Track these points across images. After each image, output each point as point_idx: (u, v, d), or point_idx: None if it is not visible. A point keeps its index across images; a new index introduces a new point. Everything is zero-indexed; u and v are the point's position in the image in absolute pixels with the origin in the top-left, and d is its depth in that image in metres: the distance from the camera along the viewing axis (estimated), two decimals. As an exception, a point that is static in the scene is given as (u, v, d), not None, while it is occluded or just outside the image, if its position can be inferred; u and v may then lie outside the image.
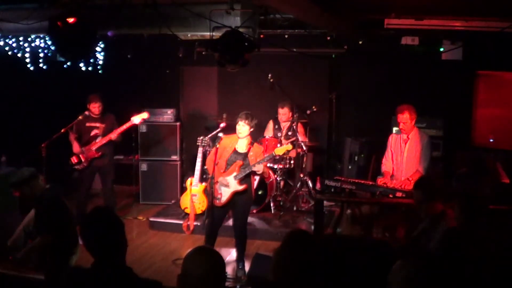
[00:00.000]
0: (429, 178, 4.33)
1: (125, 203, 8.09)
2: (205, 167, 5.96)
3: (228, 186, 5.35)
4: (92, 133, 6.70)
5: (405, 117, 5.59)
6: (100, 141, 6.64)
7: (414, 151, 5.65)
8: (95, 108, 6.62)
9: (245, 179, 5.39)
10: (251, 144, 5.43)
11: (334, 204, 7.03)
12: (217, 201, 5.37)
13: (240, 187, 5.35)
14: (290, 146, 5.92)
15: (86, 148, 6.65)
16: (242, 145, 5.43)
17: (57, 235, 4.14)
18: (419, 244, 3.62)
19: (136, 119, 6.70)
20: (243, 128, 5.33)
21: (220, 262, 2.49)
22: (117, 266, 2.53)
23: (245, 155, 5.40)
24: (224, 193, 5.37)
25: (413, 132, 5.71)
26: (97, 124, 6.71)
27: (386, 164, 5.85)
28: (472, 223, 3.41)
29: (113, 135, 6.60)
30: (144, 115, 6.78)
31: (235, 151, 5.41)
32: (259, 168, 5.36)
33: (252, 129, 5.39)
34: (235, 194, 5.38)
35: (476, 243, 3.25)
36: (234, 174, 5.35)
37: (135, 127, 7.41)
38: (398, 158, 5.75)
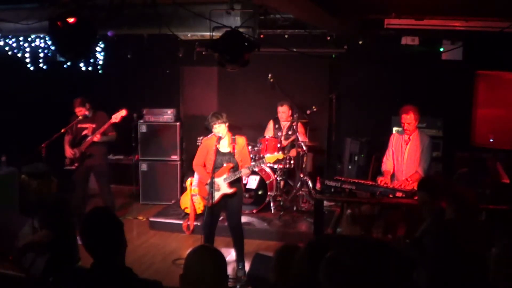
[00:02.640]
0: (432, 179, 4.33)
1: (125, 203, 8.09)
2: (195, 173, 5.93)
3: (218, 188, 5.33)
4: (83, 133, 6.73)
5: (410, 118, 5.57)
6: (88, 141, 6.66)
7: (415, 152, 5.64)
8: (78, 112, 6.64)
9: (235, 182, 5.38)
10: (233, 141, 5.39)
11: (334, 204, 7.03)
12: (207, 201, 5.34)
13: (230, 190, 5.34)
14: (281, 155, 5.90)
15: (77, 149, 6.68)
16: (224, 144, 5.39)
17: (59, 235, 4.12)
18: (421, 244, 3.62)
19: (115, 117, 6.67)
20: (220, 128, 5.27)
21: (222, 260, 2.50)
22: (116, 266, 2.53)
23: (231, 155, 5.37)
24: (214, 195, 5.34)
25: (415, 133, 5.69)
26: (87, 125, 6.74)
27: (387, 163, 5.83)
28: (464, 221, 3.41)
29: (96, 138, 6.62)
30: (122, 112, 6.71)
31: (220, 152, 5.36)
32: (246, 174, 5.42)
33: (227, 124, 5.33)
34: (225, 196, 5.38)
35: (472, 240, 3.25)
36: (224, 176, 5.33)
37: (135, 127, 7.41)
38: (399, 159, 5.74)
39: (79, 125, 6.74)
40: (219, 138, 5.31)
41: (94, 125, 6.73)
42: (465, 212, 3.44)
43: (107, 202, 6.88)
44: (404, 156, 5.69)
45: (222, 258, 2.51)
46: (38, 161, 6.13)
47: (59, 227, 4.10)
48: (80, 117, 6.65)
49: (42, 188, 4.22)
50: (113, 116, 6.67)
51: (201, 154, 5.49)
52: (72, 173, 6.78)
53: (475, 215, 3.57)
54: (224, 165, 5.34)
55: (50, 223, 4.11)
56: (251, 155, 7.03)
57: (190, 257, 2.46)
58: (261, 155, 6.94)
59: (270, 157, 5.64)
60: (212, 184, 5.25)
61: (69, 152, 6.70)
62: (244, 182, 6.93)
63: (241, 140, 5.46)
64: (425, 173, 5.54)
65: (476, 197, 3.67)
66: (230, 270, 5.67)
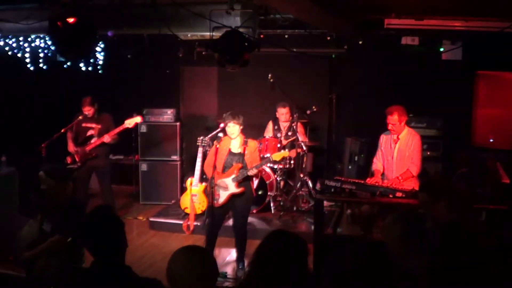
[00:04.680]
0: (434, 179, 4.32)
1: (125, 203, 8.09)
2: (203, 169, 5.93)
3: (227, 188, 5.36)
4: (88, 133, 6.72)
5: (394, 119, 5.58)
6: (94, 143, 6.66)
7: (404, 151, 5.63)
8: (87, 112, 6.64)
9: (243, 182, 5.39)
10: (245, 143, 5.42)
11: (334, 204, 7.03)
12: (215, 202, 5.37)
13: (238, 190, 5.36)
14: (287, 153, 5.91)
15: (80, 148, 6.67)
16: (235, 145, 5.43)
17: (72, 240, 4.09)
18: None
19: (129, 122, 6.69)
20: (234, 128, 5.32)
21: (206, 260, 2.47)
22: (116, 265, 2.53)
23: (241, 156, 5.40)
24: (222, 195, 5.39)
25: (404, 132, 5.67)
26: (93, 125, 6.72)
27: (377, 164, 5.83)
28: (458, 220, 3.41)
29: (106, 139, 6.61)
30: (138, 119, 6.77)
31: (231, 152, 5.42)
32: (254, 172, 5.38)
33: (241, 127, 5.37)
34: (233, 196, 5.40)
35: (470, 241, 3.25)
36: (233, 176, 5.36)
37: (134, 127, 7.41)
38: (389, 158, 5.72)
39: (84, 124, 6.72)
40: (219, 139, 5.37)
41: (99, 126, 6.72)
42: (459, 211, 3.43)
43: (107, 202, 6.87)
44: (393, 155, 5.68)
45: (205, 257, 2.49)
46: (37, 161, 6.13)
47: (73, 232, 4.08)
48: (81, 117, 6.64)
49: (59, 191, 4.17)
50: (127, 122, 6.67)
51: (213, 154, 5.50)
52: (73, 172, 6.77)
53: (472, 215, 3.55)
54: (233, 164, 5.38)
55: (65, 228, 4.08)
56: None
57: (171, 260, 2.46)
58: (262, 155, 6.94)
59: (277, 155, 5.65)
60: (212, 181, 5.28)
61: (72, 147, 6.67)
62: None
63: (253, 144, 5.49)
64: (417, 171, 5.56)
65: (471, 196, 3.66)
66: (230, 270, 5.68)
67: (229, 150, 5.42)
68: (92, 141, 6.68)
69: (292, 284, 2.45)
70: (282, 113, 7.47)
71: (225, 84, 8.51)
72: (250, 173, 5.35)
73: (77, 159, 6.66)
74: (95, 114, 6.73)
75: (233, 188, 5.37)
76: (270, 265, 2.46)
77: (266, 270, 2.47)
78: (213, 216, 5.42)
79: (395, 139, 5.70)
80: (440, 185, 3.81)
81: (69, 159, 6.69)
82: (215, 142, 5.56)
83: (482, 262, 3.15)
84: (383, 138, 5.88)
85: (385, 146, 5.79)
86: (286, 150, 6.00)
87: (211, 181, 5.31)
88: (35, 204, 4.39)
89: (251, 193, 5.58)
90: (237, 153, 5.42)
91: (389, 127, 5.64)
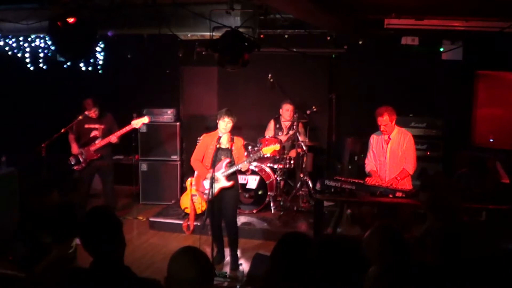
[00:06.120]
0: (436, 179, 4.31)
1: (125, 203, 8.09)
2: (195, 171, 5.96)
3: (217, 181, 5.46)
4: (92, 134, 6.71)
5: (385, 119, 5.59)
6: (99, 143, 6.65)
7: (396, 151, 5.62)
8: (91, 113, 6.63)
9: (232, 175, 5.53)
10: (232, 139, 5.53)
11: (334, 204, 7.03)
12: (205, 196, 5.47)
13: (228, 183, 5.50)
14: (277, 146, 5.96)
15: (85, 149, 6.66)
16: (223, 141, 5.52)
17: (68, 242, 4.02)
18: (423, 244, 3.62)
19: (137, 123, 6.70)
20: (228, 125, 5.41)
21: (206, 262, 2.48)
22: (115, 265, 2.53)
23: (229, 151, 5.53)
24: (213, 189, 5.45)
25: (395, 131, 5.67)
26: (96, 126, 6.72)
27: (370, 165, 5.82)
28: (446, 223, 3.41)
29: (113, 138, 6.61)
30: (145, 119, 6.78)
31: (219, 148, 5.49)
32: (244, 167, 5.57)
33: (232, 124, 5.47)
34: (222, 190, 5.51)
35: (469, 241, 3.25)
36: (222, 170, 5.48)
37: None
38: (381, 159, 5.70)
39: (86, 125, 6.71)
40: (219, 138, 5.43)
41: (103, 126, 6.73)
42: (442, 214, 3.44)
43: (109, 202, 6.88)
44: (386, 155, 5.67)
45: (205, 258, 2.50)
46: (37, 161, 6.13)
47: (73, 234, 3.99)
48: (81, 117, 6.63)
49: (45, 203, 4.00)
50: (134, 122, 6.67)
51: (200, 150, 5.63)
52: (78, 172, 6.78)
53: (453, 217, 3.53)
54: (222, 159, 5.49)
55: (64, 234, 3.97)
56: (250, 155, 7.05)
57: (173, 261, 2.46)
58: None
59: (267, 149, 5.74)
60: (212, 179, 5.32)
61: (76, 149, 6.66)
62: (244, 182, 6.98)
63: (239, 141, 5.62)
64: (413, 169, 5.56)
65: (457, 204, 3.65)
66: (229, 270, 5.68)
67: (218, 145, 5.48)
68: (97, 141, 6.68)
69: (307, 283, 2.48)
70: (288, 109, 7.46)
71: (225, 84, 8.50)
72: (242, 167, 5.50)
73: (81, 160, 6.65)
74: (98, 115, 6.72)
75: (224, 182, 5.49)
76: (288, 266, 2.49)
77: (284, 271, 2.50)
78: (212, 212, 5.50)
79: (386, 139, 5.70)
80: (442, 185, 3.81)
81: (72, 159, 6.68)
82: (204, 137, 5.64)
83: (481, 263, 3.15)
84: (373, 138, 5.87)
85: (377, 147, 5.78)
86: (277, 144, 6.00)
87: (211, 181, 5.31)
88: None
89: (237, 186, 5.76)
90: (225, 148, 5.53)
91: (381, 128, 5.65)
